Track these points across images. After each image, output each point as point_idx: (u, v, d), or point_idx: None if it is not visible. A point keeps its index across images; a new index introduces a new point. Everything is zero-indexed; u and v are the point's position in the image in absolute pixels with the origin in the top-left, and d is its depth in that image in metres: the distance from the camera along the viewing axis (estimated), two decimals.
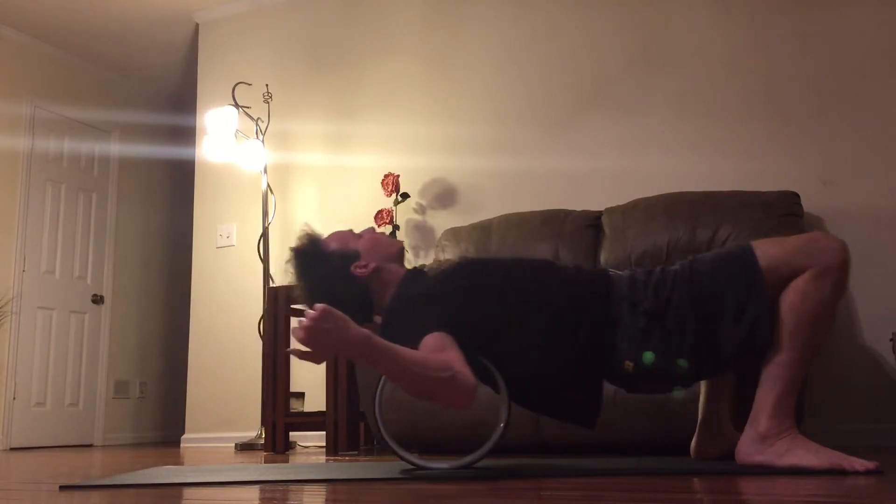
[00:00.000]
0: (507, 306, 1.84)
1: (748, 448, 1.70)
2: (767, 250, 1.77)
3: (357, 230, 2.08)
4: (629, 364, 1.76)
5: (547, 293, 1.84)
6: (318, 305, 1.51)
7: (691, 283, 1.78)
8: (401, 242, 2.07)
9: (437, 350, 1.67)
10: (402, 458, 1.89)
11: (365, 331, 1.55)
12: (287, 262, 1.99)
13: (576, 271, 1.91)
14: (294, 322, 1.54)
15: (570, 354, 1.80)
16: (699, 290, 1.77)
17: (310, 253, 1.98)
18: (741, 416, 1.79)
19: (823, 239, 1.76)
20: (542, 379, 1.84)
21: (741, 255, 1.79)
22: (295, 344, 1.53)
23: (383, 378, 1.93)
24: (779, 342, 1.72)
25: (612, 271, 1.91)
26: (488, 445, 1.85)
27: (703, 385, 2.00)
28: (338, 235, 2.03)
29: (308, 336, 1.51)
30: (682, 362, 1.78)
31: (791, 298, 1.72)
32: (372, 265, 1.94)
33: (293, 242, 2.03)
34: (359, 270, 1.94)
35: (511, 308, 1.83)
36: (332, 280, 1.93)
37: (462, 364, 1.65)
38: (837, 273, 1.72)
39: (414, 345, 1.68)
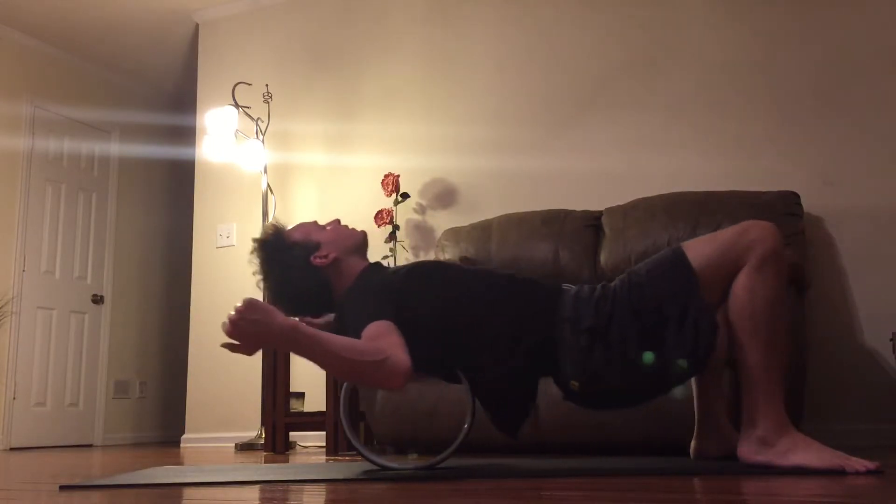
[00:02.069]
0: (455, 310, 1.85)
1: (749, 449, 1.70)
2: (699, 250, 1.77)
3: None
4: (575, 384, 1.77)
5: (495, 306, 1.85)
6: (245, 298, 1.54)
7: (630, 295, 1.77)
8: (363, 233, 2.07)
9: (376, 337, 1.68)
10: (367, 459, 1.89)
11: (291, 320, 1.57)
12: (250, 252, 2.02)
13: (531, 291, 1.90)
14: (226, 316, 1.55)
15: (506, 369, 1.81)
16: (639, 301, 1.75)
17: (272, 243, 2.01)
18: (740, 414, 1.79)
19: (752, 228, 1.75)
20: (479, 385, 1.87)
21: (674, 259, 1.78)
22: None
23: (346, 385, 1.97)
24: (742, 346, 1.71)
25: (566, 287, 1.90)
26: (453, 447, 1.89)
27: (695, 387, 2.00)
28: (301, 227, 2.05)
29: (234, 329, 1.53)
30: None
31: (740, 300, 1.71)
32: (332, 256, 1.96)
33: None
34: (318, 261, 1.95)
35: (459, 313, 1.85)
36: (292, 270, 1.96)
37: (399, 349, 1.66)
38: (774, 260, 1.71)
39: (360, 334, 1.71)
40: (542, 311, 1.82)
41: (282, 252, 1.98)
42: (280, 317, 1.56)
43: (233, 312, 1.53)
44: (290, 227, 2.06)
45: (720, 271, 1.74)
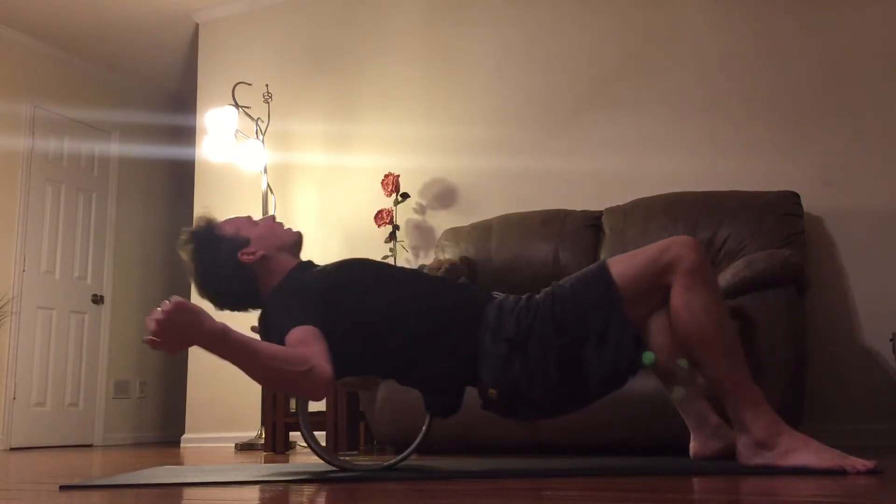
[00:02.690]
0: (379, 313, 1.83)
1: (748, 452, 1.69)
2: (623, 266, 1.76)
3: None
4: (493, 392, 1.76)
5: (419, 308, 1.84)
6: (173, 297, 1.50)
7: (553, 310, 1.76)
8: (297, 233, 2.04)
9: (301, 343, 1.66)
10: (324, 459, 1.89)
11: (220, 324, 1.54)
12: (180, 243, 1.98)
13: (455, 295, 1.89)
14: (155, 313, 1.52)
15: (428, 373, 1.82)
16: (561, 315, 1.75)
17: (202, 236, 1.98)
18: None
19: (673, 246, 1.74)
20: (408, 381, 1.88)
21: (598, 274, 1.78)
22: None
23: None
24: (702, 365, 1.71)
25: (496, 295, 1.89)
26: (411, 448, 1.90)
27: (669, 395, 2.00)
28: (233, 221, 2.03)
29: (160, 328, 1.48)
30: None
31: (684, 322, 1.71)
32: (259, 253, 1.93)
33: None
34: (245, 257, 1.93)
35: (382, 315, 1.83)
36: (219, 264, 1.94)
37: (322, 358, 1.64)
38: (701, 273, 1.71)
39: (284, 336, 1.69)
40: (466, 318, 1.82)
41: (210, 245, 1.96)
42: (209, 320, 1.52)
43: (159, 310, 1.49)
44: (221, 221, 2.02)
45: (643, 287, 1.75)
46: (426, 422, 1.89)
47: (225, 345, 1.55)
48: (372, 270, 1.95)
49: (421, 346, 1.81)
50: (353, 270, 1.93)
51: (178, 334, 1.50)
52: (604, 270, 1.77)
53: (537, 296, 1.84)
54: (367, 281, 1.89)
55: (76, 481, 1.87)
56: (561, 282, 1.86)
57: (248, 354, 1.58)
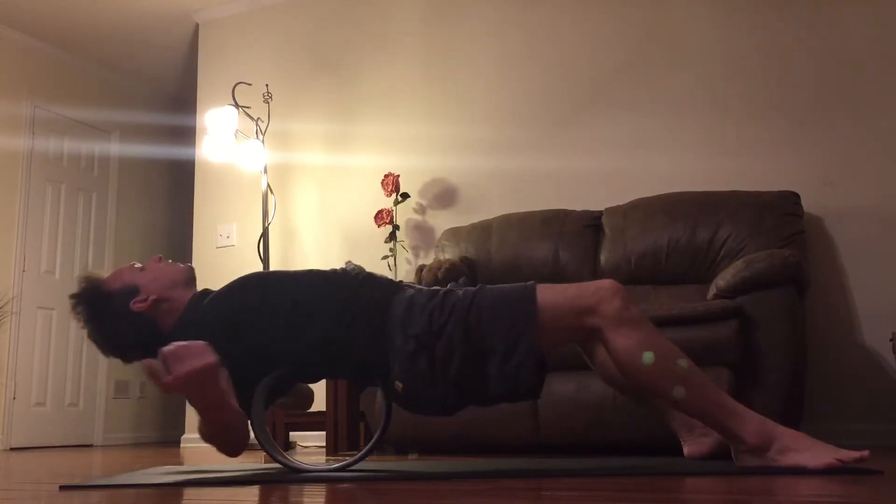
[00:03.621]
0: (276, 325, 1.82)
1: (743, 457, 1.70)
2: (548, 296, 1.76)
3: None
4: (399, 384, 1.77)
5: (318, 308, 1.82)
6: (211, 357, 1.53)
7: (468, 316, 1.76)
8: (188, 267, 2.01)
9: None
10: (277, 461, 1.89)
11: (226, 393, 1.59)
12: (71, 309, 1.95)
13: (359, 286, 1.87)
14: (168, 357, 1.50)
15: (341, 370, 1.87)
16: (474, 324, 1.75)
17: (89, 297, 1.93)
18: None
19: (597, 291, 1.73)
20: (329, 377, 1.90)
21: (523, 296, 1.77)
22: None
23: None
24: (666, 398, 1.70)
25: (405, 285, 1.89)
26: (366, 448, 1.91)
27: (650, 411, 2.00)
28: (118, 273, 1.98)
29: (184, 377, 1.50)
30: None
31: (630, 367, 1.69)
32: (152, 298, 1.90)
33: (76, 289, 1.98)
34: (137, 305, 1.89)
35: (278, 325, 1.82)
36: (114, 320, 1.90)
37: (233, 398, 1.68)
38: (626, 314, 1.70)
39: None
40: (368, 314, 1.80)
41: (101, 304, 1.92)
42: (231, 400, 1.59)
43: (192, 361, 1.49)
44: (105, 276, 1.98)
45: (562, 322, 1.74)
46: (382, 421, 1.92)
47: (225, 409, 1.62)
48: (258, 285, 1.91)
49: (329, 346, 1.80)
50: (240, 292, 1.89)
51: (191, 393, 1.55)
52: (530, 292, 1.77)
53: (457, 293, 1.82)
54: (255, 300, 1.85)
55: (76, 481, 1.87)
56: (486, 289, 1.83)
57: (226, 414, 1.65)
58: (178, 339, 1.74)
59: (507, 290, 1.82)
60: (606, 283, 1.75)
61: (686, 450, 2.00)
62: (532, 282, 1.82)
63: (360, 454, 1.93)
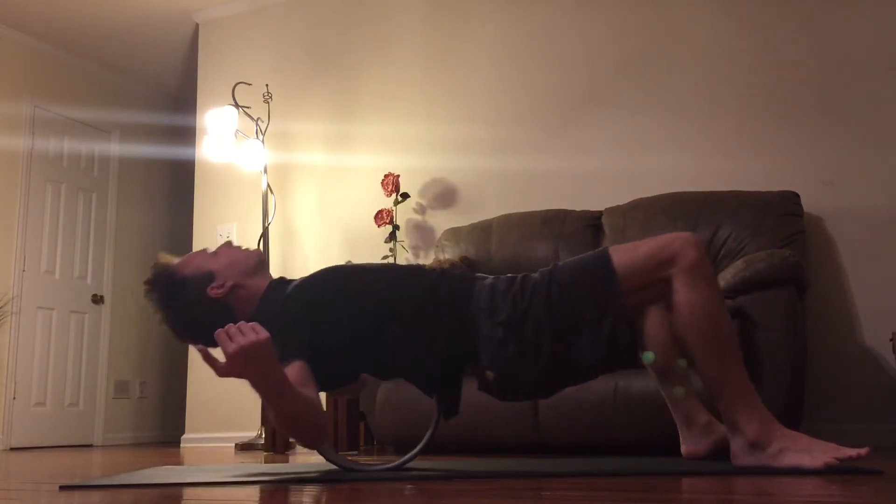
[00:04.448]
0: (357, 318, 1.81)
1: (741, 453, 1.69)
2: (624, 256, 1.76)
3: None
4: (490, 374, 1.76)
5: (401, 303, 1.82)
6: (263, 333, 1.46)
7: (550, 294, 1.76)
8: (258, 252, 2.00)
9: (302, 385, 1.64)
10: (330, 461, 1.88)
11: (285, 377, 1.53)
12: (145, 296, 1.92)
13: (439, 278, 1.87)
14: (233, 330, 1.47)
15: (429, 361, 1.81)
16: (557, 300, 1.75)
17: (164, 284, 1.92)
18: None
19: (675, 241, 1.74)
20: (407, 377, 1.87)
21: (598, 263, 1.77)
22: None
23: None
24: (699, 361, 1.71)
25: (480, 277, 1.89)
26: (418, 448, 1.89)
27: (663, 393, 2.00)
28: (190, 258, 1.97)
29: (236, 353, 1.44)
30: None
31: (682, 318, 1.70)
32: (228, 284, 1.89)
33: (149, 274, 1.96)
34: (214, 292, 1.88)
35: (361, 319, 1.81)
36: (191, 307, 1.88)
37: (319, 400, 1.66)
38: (702, 271, 1.71)
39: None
40: (453, 304, 1.81)
41: (175, 290, 1.90)
42: (280, 369, 1.51)
43: (242, 337, 1.45)
44: (178, 261, 1.96)
45: (641, 279, 1.74)
46: (433, 422, 1.88)
47: (281, 395, 1.54)
48: (340, 280, 1.90)
49: (413, 339, 1.80)
50: (322, 286, 1.87)
51: (249, 369, 1.47)
52: (605, 259, 1.77)
53: (534, 276, 1.83)
54: (336, 294, 1.84)
55: (76, 481, 1.87)
56: (560, 265, 1.85)
57: (293, 402, 1.56)
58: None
59: (581, 261, 1.83)
60: (685, 234, 1.75)
61: (684, 449, 2.00)
62: (604, 248, 1.82)
63: (413, 452, 1.90)
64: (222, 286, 1.89)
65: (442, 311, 1.81)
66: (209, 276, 1.91)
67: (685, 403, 1.97)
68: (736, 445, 1.71)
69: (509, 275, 1.88)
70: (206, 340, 1.89)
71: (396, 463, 1.91)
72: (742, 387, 1.69)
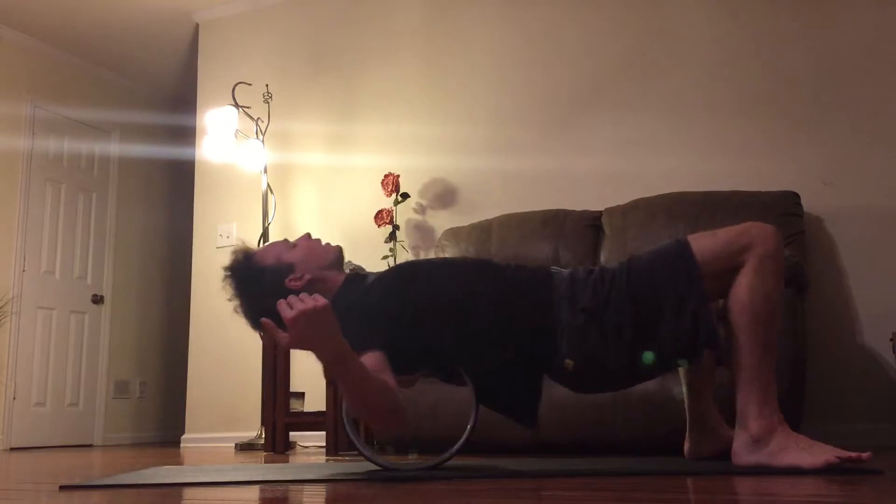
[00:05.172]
0: (437, 310, 1.81)
1: (742, 450, 1.70)
2: (702, 244, 1.77)
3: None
4: (569, 363, 1.76)
5: (480, 294, 1.83)
6: (322, 301, 1.47)
7: (629, 281, 1.77)
8: (337, 247, 2.00)
9: (376, 372, 1.63)
10: (369, 460, 1.88)
11: (347, 346, 1.52)
12: (223, 280, 1.93)
13: (515, 270, 1.89)
14: (294, 300, 1.48)
15: (506, 353, 1.80)
16: (638, 288, 1.76)
17: (243, 271, 1.92)
18: (733, 414, 1.79)
19: (754, 228, 1.76)
20: (481, 376, 1.84)
21: (678, 250, 1.79)
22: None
23: None
24: (741, 346, 1.71)
25: (555, 269, 1.90)
26: (458, 446, 1.87)
27: (685, 387, 1.99)
28: (271, 248, 1.97)
29: (299, 318, 1.44)
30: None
31: (741, 301, 1.71)
32: (307, 277, 1.89)
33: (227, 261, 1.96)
34: (293, 283, 1.87)
35: (442, 312, 1.81)
36: (268, 296, 1.84)
37: (398, 390, 1.64)
38: (774, 261, 1.72)
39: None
40: (533, 293, 1.81)
41: (254, 278, 1.90)
42: (341, 336, 1.49)
43: (303, 303, 1.45)
44: (258, 250, 1.97)
45: (718, 267, 1.75)
46: (472, 420, 1.85)
47: (345, 363, 1.52)
48: (417, 275, 1.91)
49: (492, 331, 1.79)
50: (399, 282, 1.88)
51: (308, 333, 1.46)
52: (684, 247, 1.78)
53: (612, 266, 1.84)
54: (414, 290, 1.85)
55: (76, 481, 1.87)
56: (637, 254, 1.87)
57: (363, 379, 1.55)
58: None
59: (660, 249, 1.84)
60: (763, 225, 1.76)
61: (687, 448, 2.01)
62: (684, 237, 1.83)
63: (449, 453, 1.88)
64: (301, 278, 1.89)
65: (521, 302, 1.81)
66: (288, 268, 1.91)
67: (701, 403, 1.97)
68: (738, 442, 1.71)
69: (587, 266, 1.88)
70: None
71: (434, 462, 1.89)
72: (768, 384, 1.70)
